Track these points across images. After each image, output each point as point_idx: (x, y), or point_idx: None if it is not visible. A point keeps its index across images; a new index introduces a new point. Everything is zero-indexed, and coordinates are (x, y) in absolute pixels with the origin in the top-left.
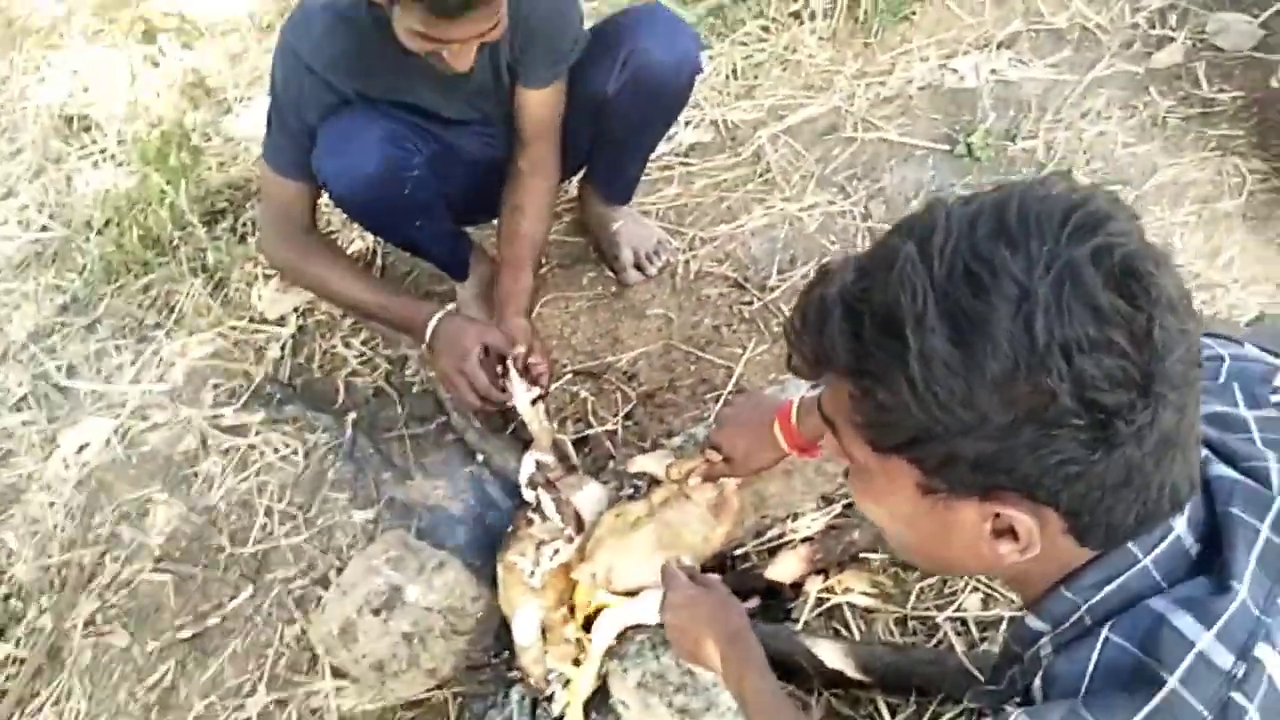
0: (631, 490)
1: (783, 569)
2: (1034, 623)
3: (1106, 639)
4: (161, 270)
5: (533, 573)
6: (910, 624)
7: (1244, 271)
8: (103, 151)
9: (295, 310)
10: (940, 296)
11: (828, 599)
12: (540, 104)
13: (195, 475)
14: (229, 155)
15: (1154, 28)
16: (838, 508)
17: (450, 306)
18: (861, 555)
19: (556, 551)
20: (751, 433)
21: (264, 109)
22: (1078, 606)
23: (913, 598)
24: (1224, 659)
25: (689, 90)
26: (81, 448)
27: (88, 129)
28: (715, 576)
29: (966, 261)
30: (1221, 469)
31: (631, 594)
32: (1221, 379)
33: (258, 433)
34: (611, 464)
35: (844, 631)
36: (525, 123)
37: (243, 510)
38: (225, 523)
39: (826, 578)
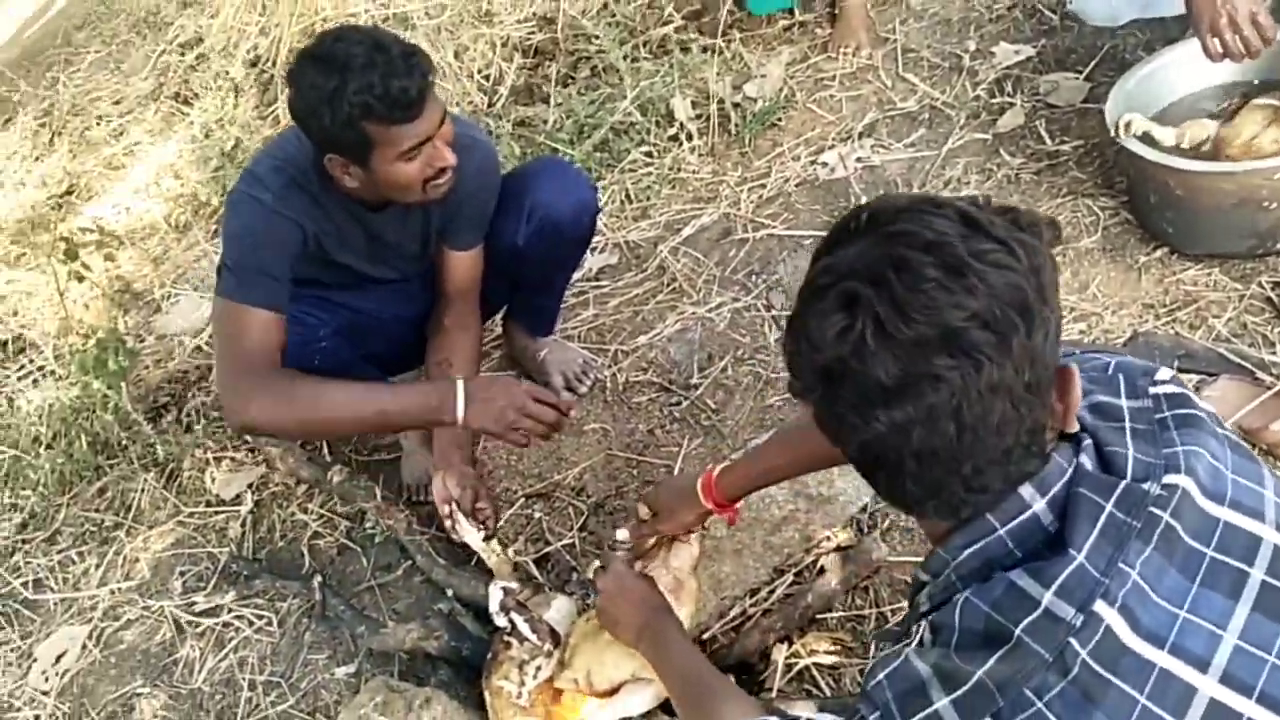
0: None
1: (749, 643)
2: (921, 574)
3: (966, 599)
4: (114, 472)
5: (520, 693)
6: None
7: (1112, 298)
8: (40, 368)
9: (249, 487)
10: (828, 238)
11: (795, 663)
12: (465, 264)
13: (175, 663)
14: (164, 352)
15: (994, 96)
16: (789, 577)
17: (462, 380)
18: (819, 617)
19: (539, 668)
20: (677, 491)
21: (192, 303)
22: (948, 564)
23: (872, 648)
24: (1064, 611)
25: (592, 230)
26: (59, 657)
27: (22, 350)
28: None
29: (854, 226)
30: (1084, 458)
31: (613, 691)
32: (1109, 372)
33: (230, 610)
34: (575, 575)
35: (815, 691)
36: (450, 282)
37: (227, 688)
38: (211, 704)
39: (791, 644)
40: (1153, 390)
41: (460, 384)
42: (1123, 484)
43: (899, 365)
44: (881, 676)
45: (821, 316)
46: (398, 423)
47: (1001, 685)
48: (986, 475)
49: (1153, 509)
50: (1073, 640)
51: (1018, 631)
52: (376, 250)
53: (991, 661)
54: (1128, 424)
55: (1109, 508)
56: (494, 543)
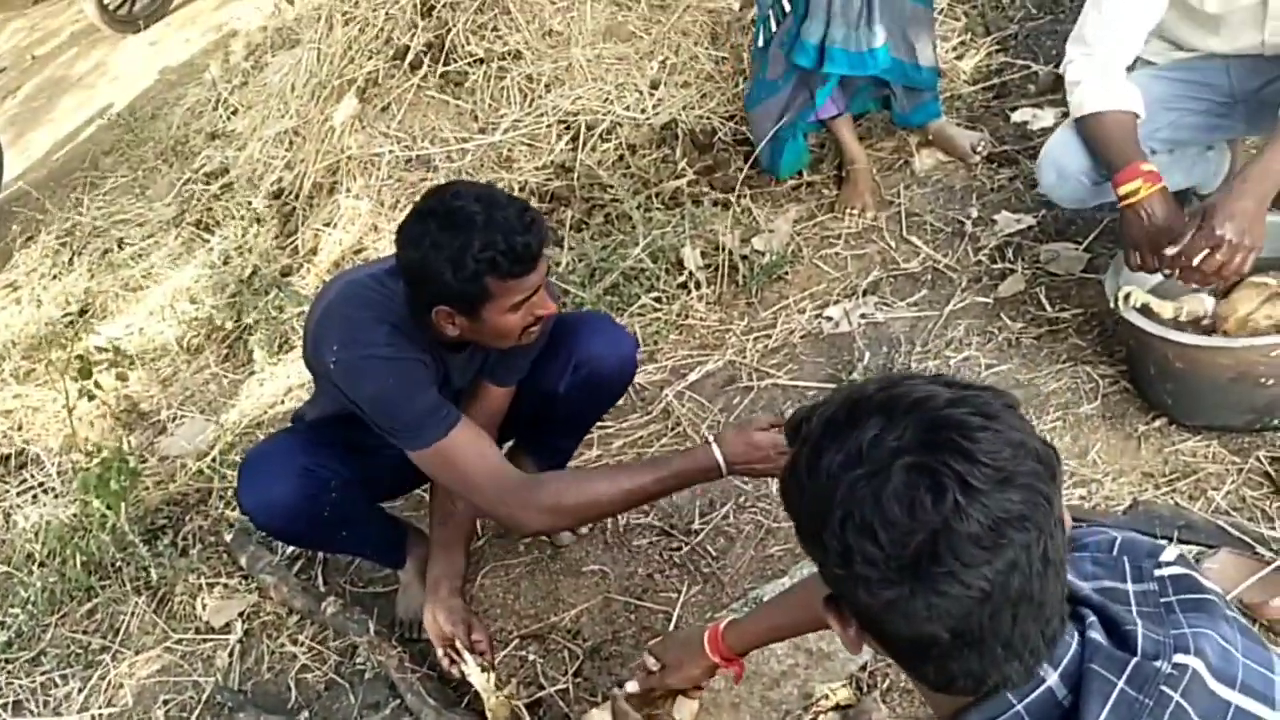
0: None
1: None
2: None
3: None
4: (106, 594)
5: None
6: None
7: (1112, 465)
8: (40, 485)
9: (240, 615)
10: (816, 437)
11: None
12: (499, 398)
13: None
14: (166, 474)
15: (995, 262)
16: None
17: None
18: None
19: None
20: (684, 645)
21: (197, 426)
22: None
23: None
24: None
25: (629, 384)
26: None
27: (24, 465)
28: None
29: (846, 416)
30: (1094, 633)
31: None
32: (1114, 553)
33: None
34: None
35: None
36: (478, 411)
37: None
38: None
39: None
40: (1158, 573)
41: (715, 444)
42: (1134, 661)
43: (988, 515)
44: None
45: (897, 499)
46: (672, 488)
47: None
48: (1055, 619)
49: (1164, 688)
50: None
51: None
52: (444, 391)
53: None
54: (1134, 606)
55: (1120, 684)
56: (490, 679)
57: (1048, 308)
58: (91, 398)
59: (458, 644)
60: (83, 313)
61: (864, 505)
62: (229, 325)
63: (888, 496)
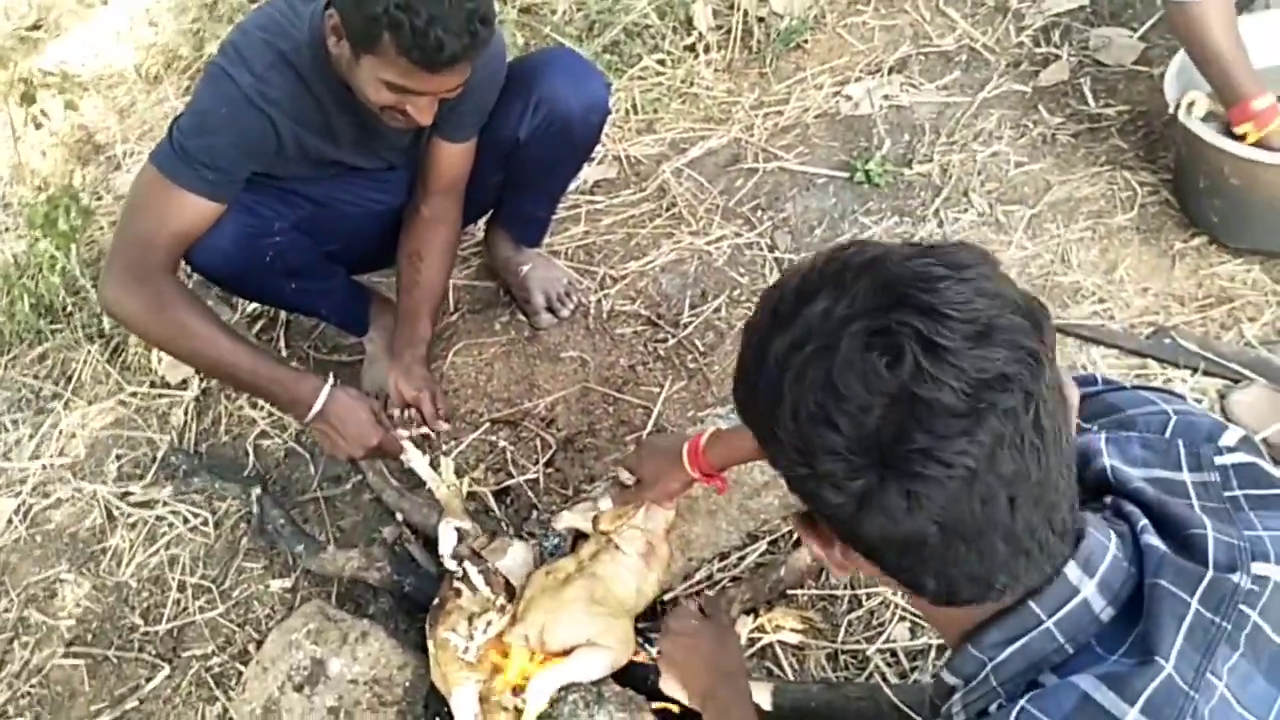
0: (557, 539)
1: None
2: (947, 676)
3: (1023, 711)
4: (56, 338)
5: (467, 648)
6: (841, 658)
7: (1140, 284)
8: None
9: (197, 372)
10: (764, 327)
11: (759, 639)
12: (456, 157)
13: (103, 552)
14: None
15: (1039, 46)
16: (763, 545)
17: (332, 383)
18: (789, 592)
19: (490, 623)
20: (663, 457)
21: None
22: (984, 664)
23: (842, 631)
24: None
25: (599, 133)
26: None
27: None
28: (726, 616)
29: (793, 296)
30: (1151, 538)
31: (564, 653)
32: (1167, 434)
33: (165, 505)
34: (534, 514)
35: (776, 670)
36: (437, 174)
37: (154, 586)
38: (137, 600)
39: (756, 617)
40: (1219, 460)
41: (325, 393)
42: (1209, 576)
43: (962, 377)
44: None
45: (849, 369)
46: (251, 390)
47: None
48: (1064, 507)
49: (1242, 607)
50: None
51: None
52: (365, 139)
53: None
54: (1195, 501)
55: (1194, 605)
56: (448, 470)
57: (1091, 102)
58: (39, 125)
59: (401, 429)
60: (35, 28)
61: (815, 387)
62: (189, 53)
63: (838, 370)
